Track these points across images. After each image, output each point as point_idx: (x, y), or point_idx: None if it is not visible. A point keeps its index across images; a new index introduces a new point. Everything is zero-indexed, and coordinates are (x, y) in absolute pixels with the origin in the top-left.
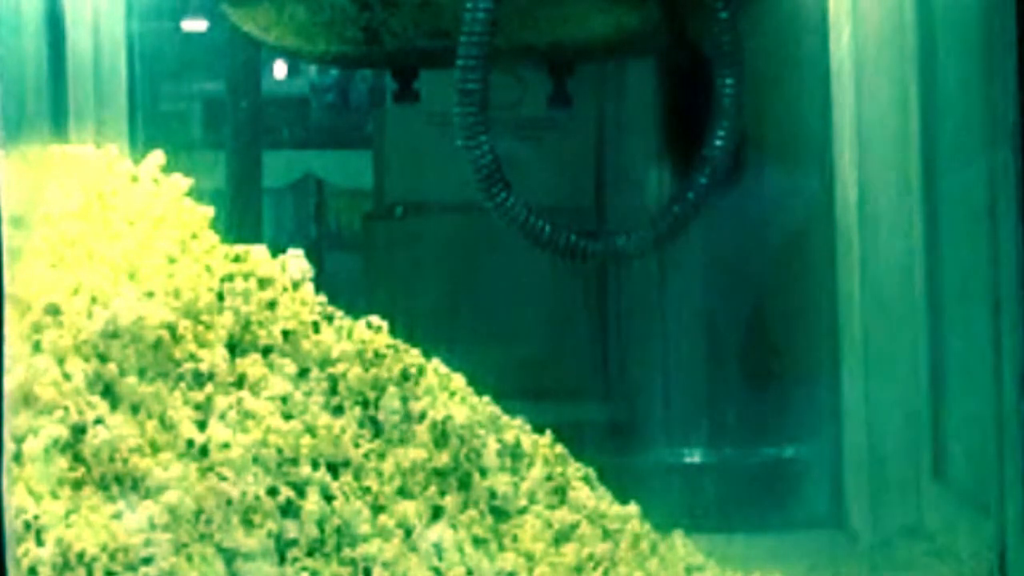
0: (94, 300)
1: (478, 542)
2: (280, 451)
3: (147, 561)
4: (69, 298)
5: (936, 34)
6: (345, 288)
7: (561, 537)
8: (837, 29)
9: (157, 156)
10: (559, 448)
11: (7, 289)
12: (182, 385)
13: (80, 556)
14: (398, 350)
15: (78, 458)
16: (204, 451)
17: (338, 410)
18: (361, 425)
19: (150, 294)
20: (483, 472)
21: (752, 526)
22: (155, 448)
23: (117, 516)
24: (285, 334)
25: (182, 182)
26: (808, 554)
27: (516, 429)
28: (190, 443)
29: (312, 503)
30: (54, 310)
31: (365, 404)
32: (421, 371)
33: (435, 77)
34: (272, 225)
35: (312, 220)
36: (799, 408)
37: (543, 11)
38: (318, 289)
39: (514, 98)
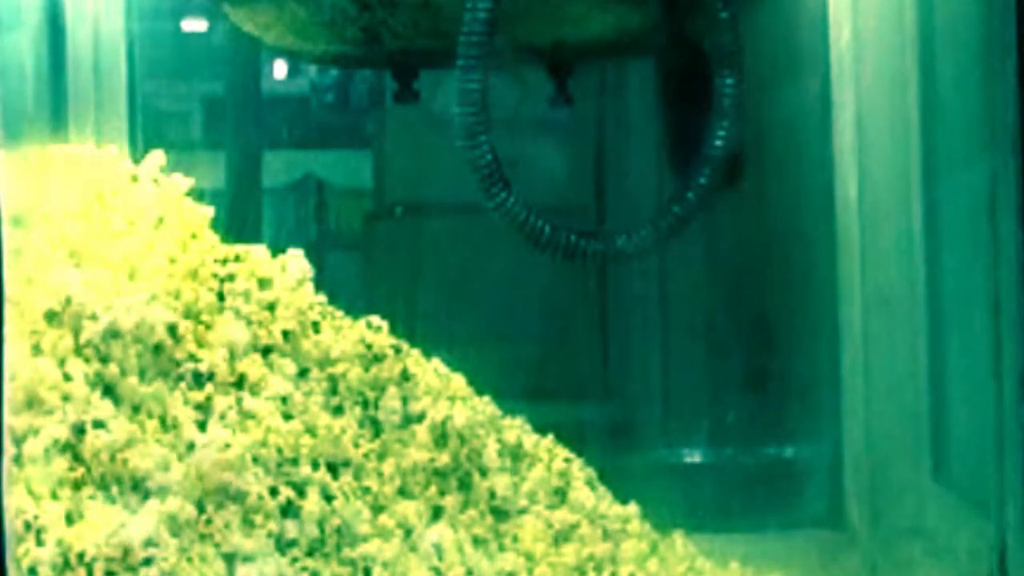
0: (95, 301)
1: (478, 542)
2: (280, 451)
3: (147, 562)
4: (70, 299)
5: (936, 34)
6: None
7: (561, 537)
8: (837, 29)
9: (157, 156)
10: (559, 448)
11: (7, 289)
12: (182, 385)
13: (80, 556)
14: (398, 350)
15: (78, 458)
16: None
17: (338, 410)
18: (361, 425)
19: (153, 297)
20: (483, 472)
21: (752, 526)
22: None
23: (123, 526)
24: (285, 334)
25: (182, 182)
26: (808, 554)
27: (516, 429)
28: (190, 444)
29: (312, 503)
30: (54, 312)
31: (365, 404)
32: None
33: (435, 77)
34: (272, 225)
35: (312, 220)
36: (799, 408)
37: (543, 11)
38: (318, 289)
39: (514, 98)
